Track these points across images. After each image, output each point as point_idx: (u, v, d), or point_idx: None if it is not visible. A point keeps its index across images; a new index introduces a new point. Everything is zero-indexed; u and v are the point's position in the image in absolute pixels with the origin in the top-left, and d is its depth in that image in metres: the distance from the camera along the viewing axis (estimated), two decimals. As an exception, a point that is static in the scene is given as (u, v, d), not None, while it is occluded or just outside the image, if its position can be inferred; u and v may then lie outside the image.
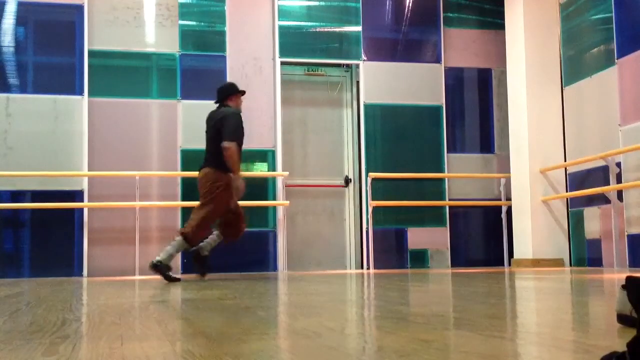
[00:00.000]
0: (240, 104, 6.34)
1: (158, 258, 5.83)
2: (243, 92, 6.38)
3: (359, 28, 8.86)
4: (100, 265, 7.88)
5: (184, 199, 8.18)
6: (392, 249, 8.74)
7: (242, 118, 6.18)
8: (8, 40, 8.00)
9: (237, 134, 6.03)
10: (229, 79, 8.42)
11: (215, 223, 6.28)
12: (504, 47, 8.74)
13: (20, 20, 8.07)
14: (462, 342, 1.80)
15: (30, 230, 7.92)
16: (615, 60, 7.44)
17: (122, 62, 8.32)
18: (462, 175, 8.98)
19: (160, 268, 5.79)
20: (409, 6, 9.07)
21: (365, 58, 8.83)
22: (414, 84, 8.93)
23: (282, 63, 8.62)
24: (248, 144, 8.50)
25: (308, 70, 8.95)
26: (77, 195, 7.97)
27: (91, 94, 8.06)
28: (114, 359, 1.60)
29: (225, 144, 5.94)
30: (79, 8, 8.14)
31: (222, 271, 8.01)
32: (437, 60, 9.06)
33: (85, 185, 7.97)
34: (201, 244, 6.22)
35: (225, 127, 5.99)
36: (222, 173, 6.01)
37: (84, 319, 2.60)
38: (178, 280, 5.85)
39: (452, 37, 9.16)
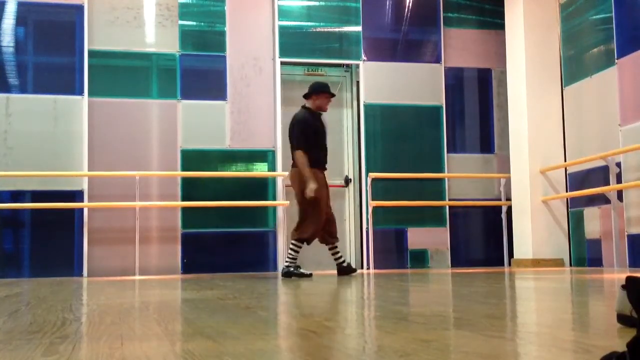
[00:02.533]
0: (324, 105, 6.51)
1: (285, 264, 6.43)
2: (324, 93, 6.49)
3: (359, 28, 8.86)
4: (100, 265, 7.88)
5: (184, 199, 8.19)
6: (392, 249, 8.73)
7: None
8: (8, 40, 8.00)
9: (300, 140, 6.34)
10: (229, 79, 8.43)
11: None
12: (504, 47, 8.74)
13: (20, 20, 8.06)
14: (462, 342, 1.80)
15: (30, 230, 7.91)
16: (615, 60, 7.44)
17: (122, 62, 8.33)
18: (462, 175, 8.98)
19: (291, 273, 6.30)
20: (409, 6, 9.06)
21: (365, 58, 8.82)
22: (414, 84, 8.93)
23: (282, 63, 8.62)
24: (248, 144, 8.52)
25: (308, 70, 8.95)
26: (77, 196, 7.98)
27: (91, 94, 8.06)
28: (114, 359, 1.59)
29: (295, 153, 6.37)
30: (79, 8, 8.14)
31: (222, 271, 8.01)
32: (437, 60, 9.06)
33: (85, 186, 7.97)
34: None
35: (291, 135, 6.45)
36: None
37: (84, 319, 2.60)
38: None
39: (452, 37, 9.15)
